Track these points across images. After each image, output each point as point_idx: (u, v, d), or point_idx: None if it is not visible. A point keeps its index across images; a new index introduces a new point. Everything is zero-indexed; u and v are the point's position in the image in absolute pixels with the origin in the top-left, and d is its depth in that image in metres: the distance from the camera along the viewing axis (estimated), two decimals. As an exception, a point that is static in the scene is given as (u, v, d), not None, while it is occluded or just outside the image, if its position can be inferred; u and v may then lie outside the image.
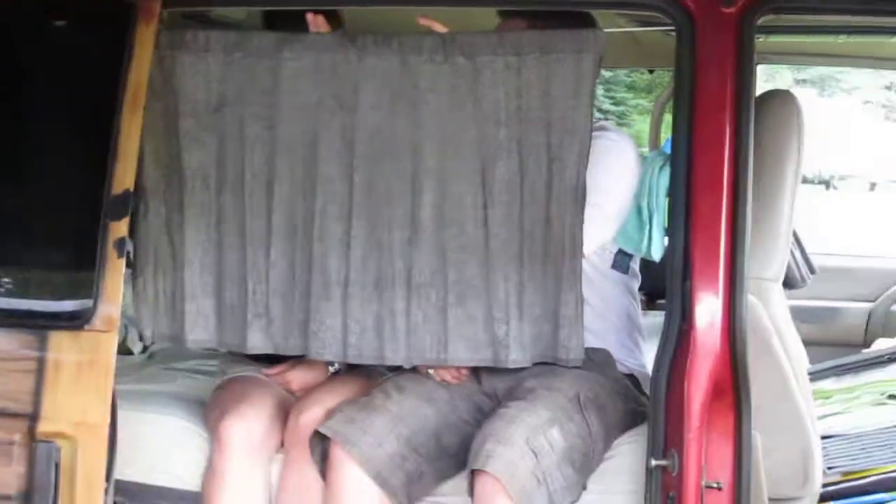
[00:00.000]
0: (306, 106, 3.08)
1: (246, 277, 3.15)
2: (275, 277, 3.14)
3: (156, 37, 2.96)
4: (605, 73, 16.49)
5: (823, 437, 3.12)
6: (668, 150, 2.95)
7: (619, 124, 15.61)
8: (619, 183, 3.29)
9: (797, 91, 3.65)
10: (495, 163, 3.01)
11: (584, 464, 3.12)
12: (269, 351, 3.18)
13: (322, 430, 3.16)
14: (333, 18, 3.31)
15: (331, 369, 3.51)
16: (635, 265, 3.48)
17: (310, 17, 3.10)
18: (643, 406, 3.33)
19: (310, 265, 3.10)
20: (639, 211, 3.16)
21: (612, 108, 17.20)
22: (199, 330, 3.21)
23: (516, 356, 3.06)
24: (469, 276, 3.04)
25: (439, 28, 3.01)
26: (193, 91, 3.12)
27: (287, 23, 3.14)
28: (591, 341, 3.26)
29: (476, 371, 3.31)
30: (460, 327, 3.05)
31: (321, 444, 3.21)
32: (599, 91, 17.23)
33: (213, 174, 3.16)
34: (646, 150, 5.23)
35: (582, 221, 3.00)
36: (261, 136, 3.11)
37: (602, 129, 3.33)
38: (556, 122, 2.96)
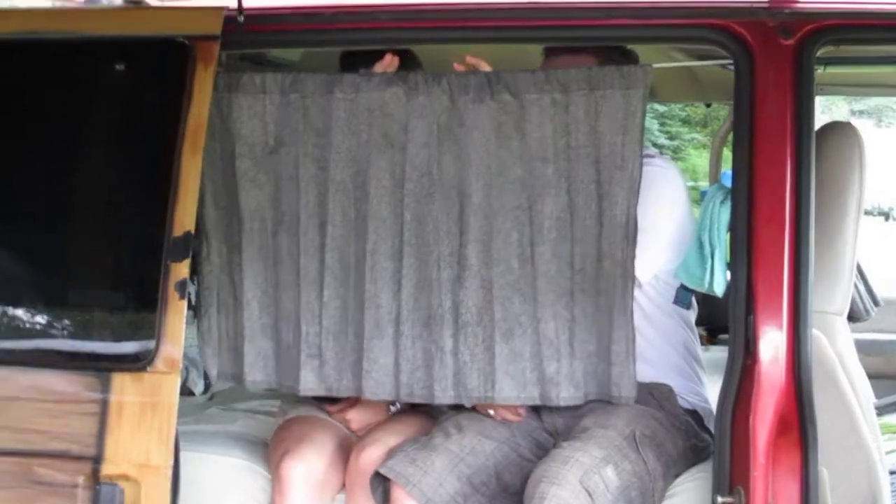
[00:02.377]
0: (358, 145, 3.12)
1: (300, 318, 3.18)
2: (328, 317, 3.17)
3: (214, 79, 2.98)
4: (660, 108, 16.48)
5: (891, 473, 3.09)
6: (728, 184, 2.95)
7: (675, 158, 15.55)
8: (669, 209, 3.32)
9: (854, 122, 3.60)
10: (543, 199, 3.04)
11: (643, 502, 3.11)
12: (322, 393, 3.22)
13: (382, 471, 3.15)
14: (411, 60, 3.39)
15: (392, 409, 3.51)
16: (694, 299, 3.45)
17: (388, 57, 3.18)
18: (705, 442, 3.31)
19: (362, 304, 3.13)
20: (700, 246, 3.10)
21: (667, 142, 17.13)
22: (259, 371, 3.24)
23: (567, 394, 3.09)
24: (516, 313, 3.06)
25: (485, 67, 3.06)
26: (250, 132, 3.16)
27: (366, 63, 3.19)
28: (653, 376, 3.27)
29: (537, 408, 3.30)
30: (507, 365, 3.07)
31: (382, 485, 3.20)
32: (654, 125, 17.15)
33: (269, 215, 3.20)
34: (705, 183, 5.20)
35: (633, 257, 3.02)
36: (315, 176, 3.15)
37: (648, 156, 3.34)
38: (604, 158, 3.00)
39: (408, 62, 3.31)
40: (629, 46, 3.28)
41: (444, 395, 3.10)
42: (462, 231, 3.08)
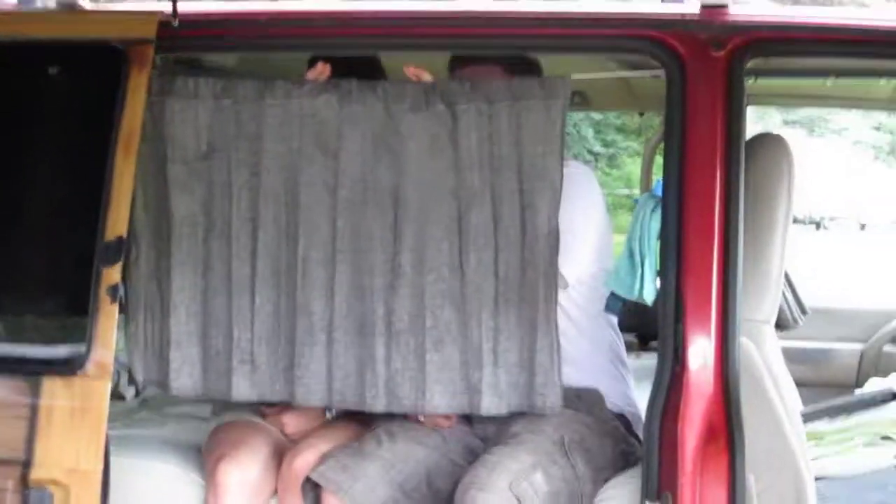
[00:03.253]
0: (289, 152, 3.13)
1: (231, 324, 3.18)
2: (259, 324, 3.17)
3: (148, 83, 2.98)
4: (595, 116, 16.56)
5: (817, 479, 3.10)
6: (659, 193, 2.98)
7: (609, 166, 15.62)
8: (587, 211, 3.37)
9: (786, 132, 3.66)
10: (471, 209, 3.07)
11: None
12: (254, 399, 3.21)
13: (314, 477, 3.16)
14: (374, 69, 3.47)
15: (327, 415, 3.52)
16: (617, 304, 3.42)
17: (320, 65, 3.20)
18: (634, 447, 3.33)
19: (294, 311, 3.14)
20: (630, 254, 3.15)
21: (602, 149, 17.23)
22: (185, 377, 3.22)
23: (489, 403, 3.09)
24: (446, 321, 3.08)
25: (427, 77, 3.08)
26: (183, 137, 3.16)
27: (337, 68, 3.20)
28: (580, 380, 3.30)
29: (468, 415, 3.32)
30: (437, 373, 3.08)
31: (314, 491, 3.21)
32: (589, 133, 17.24)
33: (200, 221, 3.20)
34: (637, 191, 5.25)
35: (556, 267, 3.05)
36: (247, 182, 3.16)
37: (564, 161, 3.33)
38: (527, 168, 3.04)
39: (371, 71, 3.35)
40: (535, 57, 3.38)
41: (375, 403, 3.11)
42: (396, 239, 3.11)
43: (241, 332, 3.17)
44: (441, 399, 3.10)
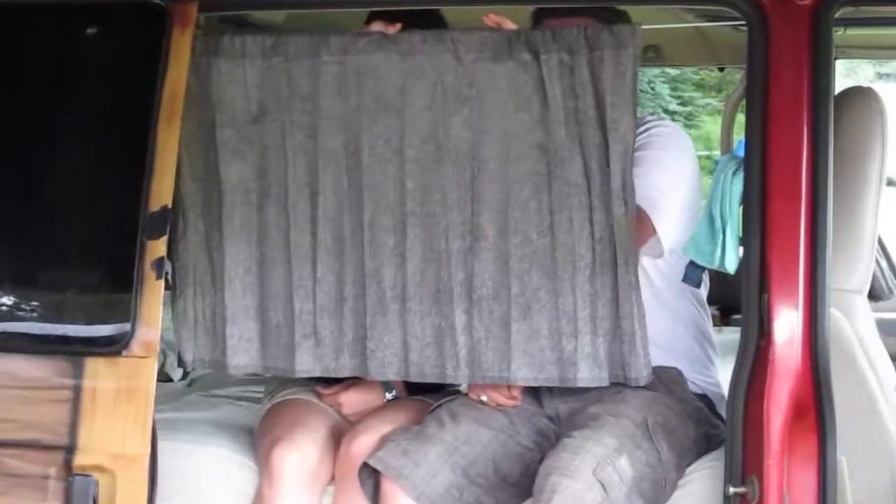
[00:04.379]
0: (348, 111, 3.12)
1: (292, 296, 3.18)
2: (322, 295, 3.16)
3: (192, 43, 2.97)
4: (671, 72, 16.39)
5: (914, 459, 2.96)
6: (741, 154, 2.95)
7: (687, 125, 15.40)
8: (682, 172, 3.33)
9: (880, 87, 3.59)
10: (560, 166, 3.04)
11: (656, 493, 3.11)
12: (319, 373, 3.20)
13: (372, 463, 3.16)
14: (437, 22, 3.44)
15: (388, 395, 3.53)
16: (705, 276, 3.45)
17: (380, 24, 3.19)
18: (718, 429, 3.33)
19: (363, 281, 3.13)
20: (711, 220, 3.08)
21: (679, 108, 16.91)
22: (242, 355, 3.22)
23: (588, 374, 3.07)
24: (534, 287, 3.06)
25: (509, 25, 3.06)
26: (231, 100, 3.16)
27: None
28: (661, 358, 3.25)
29: (536, 392, 3.32)
30: (525, 343, 3.06)
31: (373, 477, 3.21)
32: (665, 90, 16.99)
33: (253, 188, 3.19)
34: (717, 153, 5.19)
35: (632, 230, 3.03)
36: (303, 145, 3.15)
37: (659, 119, 3.40)
38: (604, 122, 3.02)
39: (433, 24, 3.31)
40: (625, 8, 3.32)
41: (456, 375, 3.11)
42: (474, 199, 3.09)
43: (302, 305, 3.16)
44: (529, 371, 3.09)
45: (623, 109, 2.99)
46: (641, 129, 3.27)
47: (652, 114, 3.36)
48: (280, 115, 3.15)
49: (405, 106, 3.09)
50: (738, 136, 4.41)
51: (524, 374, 3.08)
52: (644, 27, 3.01)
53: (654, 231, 3.18)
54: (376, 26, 3.18)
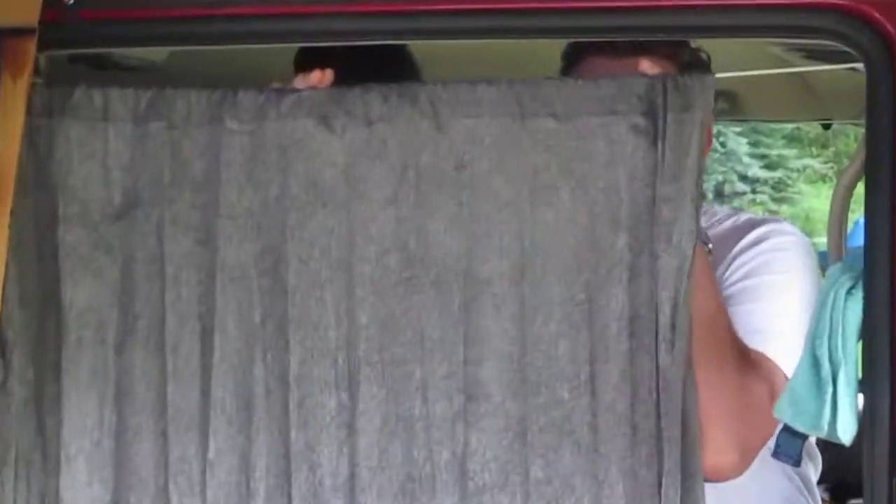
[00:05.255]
0: (265, 204, 2.64)
1: (167, 486, 2.71)
2: (216, 483, 2.67)
3: (27, 98, 2.64)
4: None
5: None
6: (859, 262, 2.56)
7: (775, 199, 14.16)
8: (801, 302, 2.93)
9: None
10: (609, 284, 2.57)
11: None
12: None
13: None
14: (403, 63, 3.18)
15: None
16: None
17: (316, 72, 2.68)
18: None
19: (285, 465, 2.66)
20: (815, 364, 2.61)
21: (763, 173, 15.34)
22: None
23: None
24: (566, 471, 2.60)
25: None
26: (84, 184, 2.71)
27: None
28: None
29: None
30: None
31: None
32: (741, 146, 15.59)
33: (111, 319, 2.71)
34: (822, 241, 4.63)
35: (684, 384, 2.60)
36: (191, 254, 2.68)
37: (748, 222, 3.07)
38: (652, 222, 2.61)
39: (398, 67, 3.04)
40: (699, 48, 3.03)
41: None
42: (468, 340, 2.61)
43: (182, 497, 2.68)
44: None
45: (680, 204, 2.53)
46: (744, 244, 2.98)
47: (734, 208, 3.30)
48: (157, 208, 2.70)
49: (354, 198, 2.62)
50: (857, 214, 3.99)
51: None
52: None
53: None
54: (300, 81, 2.75)
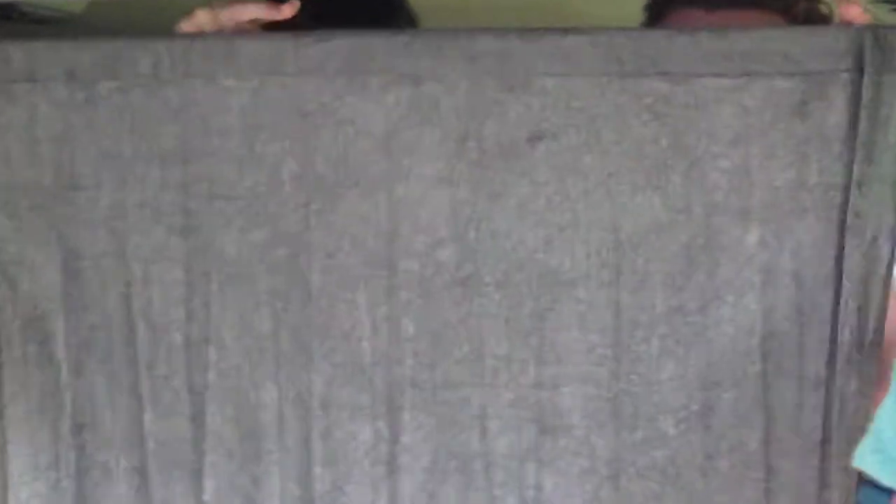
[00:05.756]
0: (278, 183, 2.20)
1: None
2: None
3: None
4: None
5: None
6: None
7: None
8: None
9: None
10: (733, 289, 2.20)
11: None
12: None
13: None
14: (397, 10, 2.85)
15: None
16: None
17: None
18: None
19: None
20: None
21: None
22: None
23: None
24: None
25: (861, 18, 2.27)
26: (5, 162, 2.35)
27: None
28: None
29: None
30: None
31: None
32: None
33: (58, 330, 2.30)
34: None
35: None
36: (166, 247, 2.27)
37: None
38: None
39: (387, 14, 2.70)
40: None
41: None
42: (543, 357, 2.20)
43: None
44: None
45: (876, 190, 2.15)
46: None
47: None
48: (108, 190, 2.26)
49: (397, 175, 2.18)
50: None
51: None
52: None
53: None
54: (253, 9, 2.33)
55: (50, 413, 2.31)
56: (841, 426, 2.24)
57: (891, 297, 2.33)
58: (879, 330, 2.22)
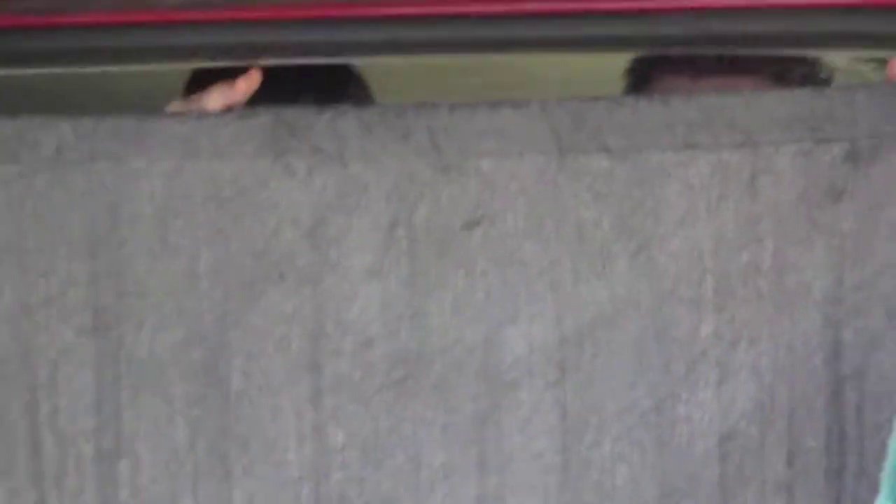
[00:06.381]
0: (194, 276, 2.13)
1: None
2: None
3: None
4: None
5: None
6: None
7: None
8: None
9: None
10: (686, 385, 2.14)
11: None
12: None
13: None
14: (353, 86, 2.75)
15: None
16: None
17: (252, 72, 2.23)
18: None
19: None
20: None
21: None
22: None
23: None
24: None
25: None
26: None
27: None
28: None
29: None
30: None
31: None
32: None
33: None
34: None
35: None
36: (73, 349, 2.16)
37: None
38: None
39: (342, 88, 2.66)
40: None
41: None
42: (485, 466, 2.14)
43: None
44: None
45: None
46: None
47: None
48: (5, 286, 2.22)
49: (324, 267, 2.11)
50: None
51: None
52: None
53: None
54: (217, 96, 2.23)
55: None
56: None
57: None
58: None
